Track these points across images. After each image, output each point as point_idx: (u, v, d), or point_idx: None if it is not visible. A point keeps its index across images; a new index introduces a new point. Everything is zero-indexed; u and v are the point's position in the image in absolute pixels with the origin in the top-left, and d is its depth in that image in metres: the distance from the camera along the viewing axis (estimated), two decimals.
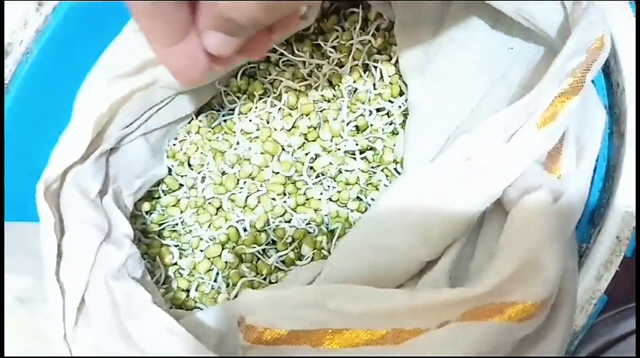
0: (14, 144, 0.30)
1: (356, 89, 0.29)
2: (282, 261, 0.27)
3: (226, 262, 0.28)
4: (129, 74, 0.27)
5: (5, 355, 0.23)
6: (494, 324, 0.17)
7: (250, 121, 0.30)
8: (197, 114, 0.31)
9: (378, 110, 0.29)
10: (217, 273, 0.28)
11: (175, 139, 0.31)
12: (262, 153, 0.29)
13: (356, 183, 0.29)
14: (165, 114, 0.29)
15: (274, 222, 0.28)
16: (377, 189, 0.28)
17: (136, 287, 0.22)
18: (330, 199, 0.29)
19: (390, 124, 0.28)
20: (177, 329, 0.20)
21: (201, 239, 0.29)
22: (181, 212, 0.30)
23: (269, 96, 0.30)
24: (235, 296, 0.26)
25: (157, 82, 0.28)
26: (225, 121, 0.31)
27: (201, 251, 0.29)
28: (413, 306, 0.19)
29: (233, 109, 0.31)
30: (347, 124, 0.28)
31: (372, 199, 0.28)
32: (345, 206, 0.29)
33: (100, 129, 0.27)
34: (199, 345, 0.20)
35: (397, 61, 0.29)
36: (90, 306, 0.21)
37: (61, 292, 0.22)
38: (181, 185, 0.30)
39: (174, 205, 0.30)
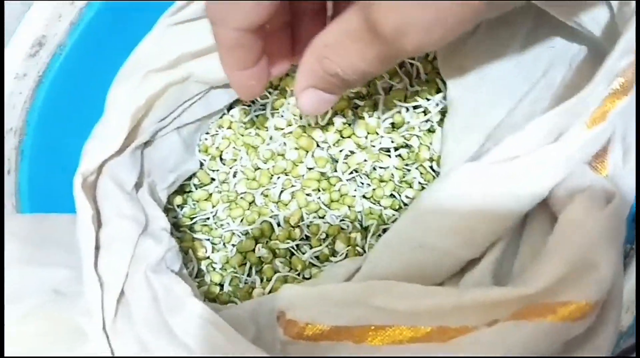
0: (45, 137, 0.30)
1: (392, 86, 0.29)
2: (316, 257, 0.27)
3: (259, 257, 0.28)
4: (164, 69, 0.28)
5: (41, 350, 0.23)
6: (546, 324, 0.17)
7: (282, 116, 0.30)
8: (229, 109, 0.31)
9: (415, 108, 0.29)
10: (251, 268, 0.28)
11: (207, 133, 0.31)
12: (296, 149, 0.29)
13: (390, 180, 0.29)
14: (198, 108, 0.30)
15: (307, 218, 0.28)
16: (411, 186, 0.28)
17: (176, 280, 0.22)
18: (364, 196, 0.29)
19: (427, 121, 0.28)
20: (219, 322, 0.20)
21: (233, 233, 0.29)
22: (213, 206, 0.30)
23: None
24: (270, 291, 0.26)
25: (191, 77, 0.28)
26: (257, 116, 0.31)
27: (233, 245, 0.29)
28: (461, 304, 0.19)
29: (265, 105, 0.31)
30: (383, 121, 0.28)
31: (407, 197, 0.28)
32: (379, 203, 0.29)
33: (136, 122, 0.27)
34: (241, 337, 0.20)
35: (434, 58, 0.29)
36: (130, 298, 0.22)
37: (100, 284, 0.22)
38: (213, 179, 0.30)
39: (205, 199, 0.30)
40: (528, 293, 0.18)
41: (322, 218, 0.29)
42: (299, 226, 0.28)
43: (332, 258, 0.27)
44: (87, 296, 0.23)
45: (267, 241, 0.29)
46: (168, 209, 0.30)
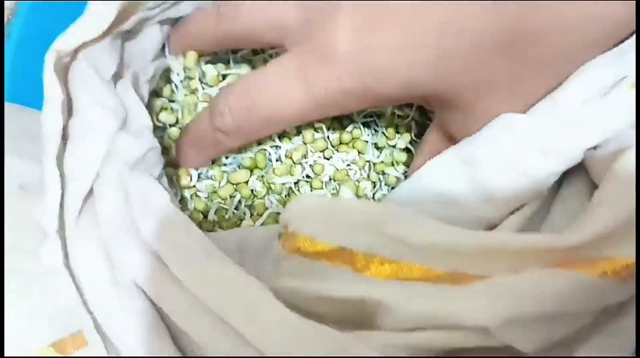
0: (36, 23, 0.28)
1: None
2: None
3: (252, 190, 0.26)
4: None
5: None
6: (585, 277, 0.15)
7: None
8: None
9: None
10: (240, 201, 0.26)
11: None
12: None
13: (407, 131, 0.27)
14: (185, 5, 0.27)
15: (312, 156, 0.26)
16: None
17: (154, 184, 0.20)
18: (376, 145, 0.27)
19: None
20: (194, 230, 0.18)
21: (224, 164, 0.26)
22: None
23: None
24: (262, 225, 0.24)
25: None
26: None
27: (225, 172, 0.26)
28: (486, 246, 0.17)
29: None
30: None
31: None
32: (392, 156, 0.27)
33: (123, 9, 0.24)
34: (217, 250, 0.18)
35: None
36: (99, 197, 0.19)
37: (62, 180, 0.20)
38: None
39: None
40: (566, 243, 0.16)
41: (328, 159, 0.26)
42: (300, 163, 0.26)
43: None
44: (45, 191, 0.20)
45: (262, 175, 0.26)
46: (157, 128, 0.27)
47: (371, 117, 0.27)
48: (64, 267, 0.19)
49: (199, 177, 0.27)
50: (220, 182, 0.26)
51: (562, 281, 0.15)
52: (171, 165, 0.26)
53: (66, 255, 0.19)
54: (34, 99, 0.26)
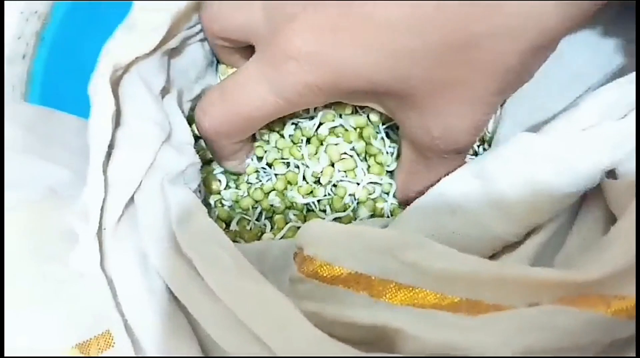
0: (70, 27, 0.29)
1: None
2: (338, 218, 0.26)
3: (272, 205, 0.27)
4: None
5: (27, 244, 0.22)
6: (598, 315, 0.16)
7: None
8: None
9: None
10: (261, 213, 0.27)
11: None
12: None
13: None
14: None
15: (337, 175, 0.26)
16: None
17: (192, 197, 0.21)
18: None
19: None
20: (229, 245, 0.19)
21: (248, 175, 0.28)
22: None
23: None
24: (282, 238, 0.25)
25: None
26: None
27: (250, 184, 0.27)
28: (501, 278, 0.17)
29: None
30: None
31: None
32: None
33: (172, 25, 0.25)
34: (248, 264, 0.19)
35: None
36: (140, 206, 0.20)
37: (105, 186, 0.21)
38: None
39: None
40: (582, 279, 0.16)
41: (353, 179, 0.27)
42: (325, 186, 0.27)
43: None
44: (87, 195, 0.21)
45: (283, 191, 0.27)
46: None
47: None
48: (99, 270, 0.20)
49: (227, 185, 0.28)
50: (244, 193, 0.27)
51: (576, 319, 0.16)
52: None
53: (102, 259, 0.20)
54: (65, 103, 0.27)
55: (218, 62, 0.29)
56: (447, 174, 0.23)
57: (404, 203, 0.26)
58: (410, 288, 0.18)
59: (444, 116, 0.21)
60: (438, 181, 0.23)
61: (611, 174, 0.21)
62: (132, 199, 0.20)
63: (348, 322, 0.18)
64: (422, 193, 0.23)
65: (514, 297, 0.17)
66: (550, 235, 0.21)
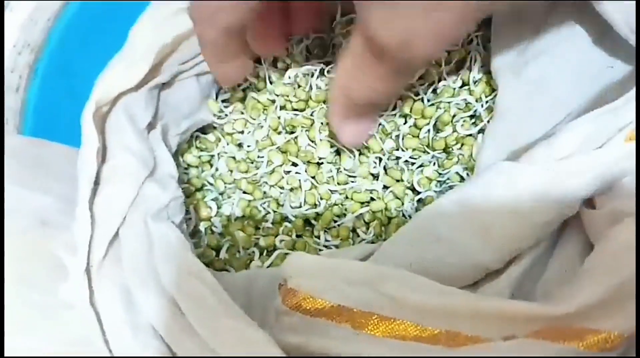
0: (62, 60, 0.29)
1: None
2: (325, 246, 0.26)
3: (264, 220, 0.27)
4: None
5: (8, 280, 0.22)
6: (571, 349, 0.16)
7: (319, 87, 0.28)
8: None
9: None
10: (251, 240, 0.27)
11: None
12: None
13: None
14: None
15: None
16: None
17: (175, 233, 0.21)
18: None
19: (475, 124, 0.27)
20: (212, 282, 0.19)
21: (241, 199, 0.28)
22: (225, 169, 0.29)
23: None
24: (269, 267, 0.25)
25: None
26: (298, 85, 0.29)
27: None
28: (478, 310, 0.18)
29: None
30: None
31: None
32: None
33: (158, 61, 0.26)
34: (233, 303, 0.19)
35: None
36: (124, 242, 0.20)
37: (92, 221, 0.21)
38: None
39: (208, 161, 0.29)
40: (556, 313, 0.17)
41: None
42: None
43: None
44: (75, 231, 0.21)
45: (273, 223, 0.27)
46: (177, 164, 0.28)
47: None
48: (89, 305, 0.20)
49: (217, 211, 0.28)
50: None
51: (550, 353, 0.16)
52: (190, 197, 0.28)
53: (90, 294, 0.20)
54: (58, 133, 0.28)
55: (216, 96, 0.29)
56: (388, 89, 0.22)
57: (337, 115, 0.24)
58: (392, 320, 0.19)
59: (410, 15, 0.18)
60: (372, 92, 0.21)
61: (590, 203, 0.21)
62: (117, 234, 0.21)
63: (331, 355, 0.18)
64: (355, 97, 0.22)
65: (491, 329, 0.18)
66: (531, 262, 0.21)
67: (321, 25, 0.29)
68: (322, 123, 0.27)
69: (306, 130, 0.27)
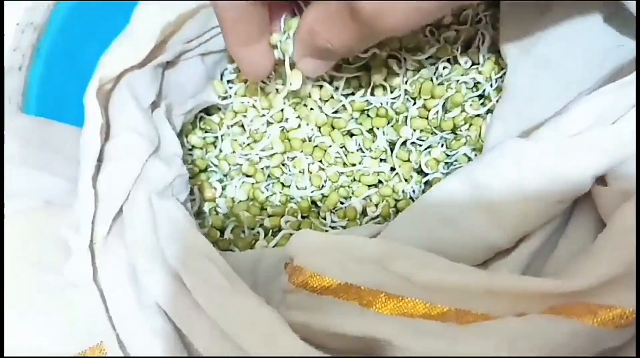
0: (65, 40, 0.29)
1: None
2: (331, 227, 0.26)
3: (268, 200, 0.27)
4: None
5: (15, 261, 0.22)
6: (584, 325, 0.16)
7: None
8: None
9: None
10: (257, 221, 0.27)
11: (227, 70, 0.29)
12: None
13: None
14: None
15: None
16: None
17: (181, 210, 0.20)
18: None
19: (483, 105, 0.26)
20: (219, 260, 0.19)
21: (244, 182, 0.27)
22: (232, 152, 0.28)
23: None
24: (274, 247, 0.25)
25: None
26: None
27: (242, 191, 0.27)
28: (489, 287, 0.17)
29: None
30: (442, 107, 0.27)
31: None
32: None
33: (163, 38, 0.25)
34: (240, 280, 0.19)
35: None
36: (128, 218, 0.20)
37: (95, 199, 0.21)
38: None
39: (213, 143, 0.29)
40: (569, 289, 0.16)
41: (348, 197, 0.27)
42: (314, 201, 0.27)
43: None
44: (78, 208, 0.21)
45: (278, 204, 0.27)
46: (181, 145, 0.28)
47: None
48: (92, 283, 0.20)
49: (222, 192, 0.28)
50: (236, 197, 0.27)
51: (563, 329, 0.16)
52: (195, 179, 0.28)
53: (94, 272, 0.20)
54: (62, 113, 0.27)
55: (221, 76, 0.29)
56: (351, 46, 0.21)
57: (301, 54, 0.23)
58: (400, 298, 0.18)
59: None
60: (336, 43, 0.21)
61: (602, 180, 0.20)
62: (122, 211, 0.20)
63: (337, 333, 0.18)
64: (317, 42, 0.21)
65: (502, 307, 0.17)
66: (542, 241, 0.20)
67: None
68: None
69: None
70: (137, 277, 0.19)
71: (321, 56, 0.22)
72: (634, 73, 0.20)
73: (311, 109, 0.27)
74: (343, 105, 0.27)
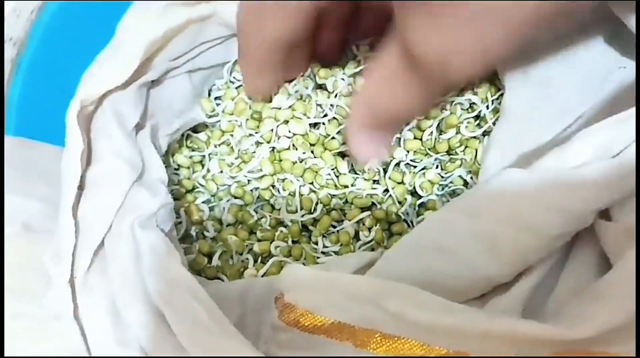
0: (47, 55, 0.28)
1: None
2: (322, 253, 0.25)
3: (258, 225, 0.26)
4: (187, 3, 0.25)
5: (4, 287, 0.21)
6: None
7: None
8: None
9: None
10: (245, 245, 0.25)
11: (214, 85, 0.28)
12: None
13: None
14: (215, 54, 0.27)
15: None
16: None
17: (164, 242, 0.19)
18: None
19: (479, 126, 0.26)
20: (204, 297, 0.18)
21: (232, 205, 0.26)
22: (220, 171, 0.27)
23: None
24: (264, 275, 0.24)
25: (214, 17, 0.26)
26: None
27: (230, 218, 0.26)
28: (489, 330, 0.16)
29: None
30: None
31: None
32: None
33: (148, 56, 0.24)
34: (226, 320, 0.18)
35: None
36: (110, 252, 0.19)
37: (76, 230, 0.20)
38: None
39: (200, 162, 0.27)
40: (574, 336, 0.15)
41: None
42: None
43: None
44: (58, 240, 0.20)
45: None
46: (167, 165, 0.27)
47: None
48: (72, 317, 0.19)
49: (209, 215, 0.27)
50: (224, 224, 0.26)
51: None
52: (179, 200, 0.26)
53: (75, 306, 0.19)
54: (42, 133, 0.26)
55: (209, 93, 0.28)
56: (416, 105, 0.21)
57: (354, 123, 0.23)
58: (395, 338, 0.17)
59: (452, 27, 0.17)
60: (400, 106, 0.21)
61: (605, 214, 0.20)
62: (103, 243, 0.19)
63: None
64: (379, 110, 0.21)
65: (502, 351, 0.16)
66: (541, 276, 0.20)
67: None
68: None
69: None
70: (119, 314, 0.18)
71: (381, 128, 0.22)
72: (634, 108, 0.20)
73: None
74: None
